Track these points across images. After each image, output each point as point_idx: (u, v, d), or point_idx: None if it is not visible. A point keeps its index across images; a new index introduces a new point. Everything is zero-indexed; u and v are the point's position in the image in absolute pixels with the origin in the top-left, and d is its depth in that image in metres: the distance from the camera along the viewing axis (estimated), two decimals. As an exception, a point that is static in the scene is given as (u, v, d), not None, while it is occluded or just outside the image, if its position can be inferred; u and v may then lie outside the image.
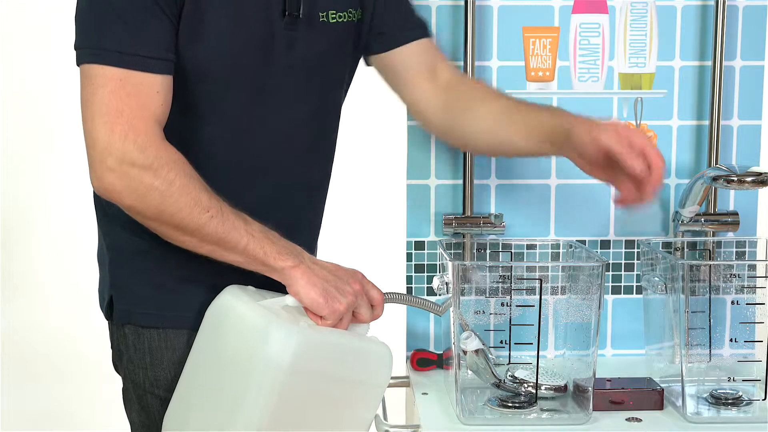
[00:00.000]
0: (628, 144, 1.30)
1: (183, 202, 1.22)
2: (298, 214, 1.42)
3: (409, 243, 1.63)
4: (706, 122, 1.61)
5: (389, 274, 1.72)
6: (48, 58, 2.81)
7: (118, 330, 1.39)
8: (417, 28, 1.49)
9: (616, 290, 1.66)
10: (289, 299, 1.26)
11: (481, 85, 1.53)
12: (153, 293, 1.36)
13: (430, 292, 1.62)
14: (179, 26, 1.26)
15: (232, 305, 1.26)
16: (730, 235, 1.64)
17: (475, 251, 1.61)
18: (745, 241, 1.63)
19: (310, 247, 1.45)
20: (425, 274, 1.64)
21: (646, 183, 1.31)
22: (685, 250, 1.61)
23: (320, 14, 1.36)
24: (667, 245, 1.60)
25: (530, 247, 1.60)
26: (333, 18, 1.36)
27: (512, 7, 1.60)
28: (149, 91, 1.23)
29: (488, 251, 1.60)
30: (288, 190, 1.39)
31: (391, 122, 1.85)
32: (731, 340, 1.54)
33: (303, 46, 1.35)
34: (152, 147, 1.21)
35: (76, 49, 1.26)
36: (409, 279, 1.64)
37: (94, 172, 1.22)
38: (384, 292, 1.32)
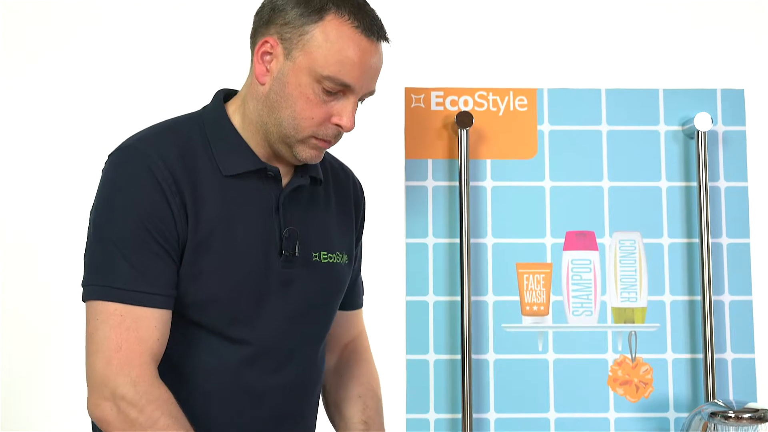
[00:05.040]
0: None
1: None
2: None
3: (409, 480, 1.62)
4: (700, 355, 1.64)
5: None
6: (48, 298, 2.86)
7: None
8: (358, 300, 1.65)
9: None
10: None
11: (357, 381, 1.61)
12: None
13: None
14: (181, 264, 1.33)
15: None
16: (734, 470, 1.62)
17: (475, 488, 1.59)
18: (748, 476, 1.61)
19: None
20: None
21: None
22: (689, 486, 1.59)
23: (313, 254, 1.46)
24: (669, 481, 1.59)
25: (531, 483, 1.58)
26: (325, 258, 1.47)
27: (506, 244, 1.66)
28: (148, 325, 1.30)
29: (489, 488, 1.58)
30: (280, 416, 1.43)
31: (391, 356, 1.87)
32: None
33: (299, 283, 1.43)
34: (144, 383, 1.27)
35: (83, 286, 1.33)
36: None
37: (91, 400, 1.29)
38: None
